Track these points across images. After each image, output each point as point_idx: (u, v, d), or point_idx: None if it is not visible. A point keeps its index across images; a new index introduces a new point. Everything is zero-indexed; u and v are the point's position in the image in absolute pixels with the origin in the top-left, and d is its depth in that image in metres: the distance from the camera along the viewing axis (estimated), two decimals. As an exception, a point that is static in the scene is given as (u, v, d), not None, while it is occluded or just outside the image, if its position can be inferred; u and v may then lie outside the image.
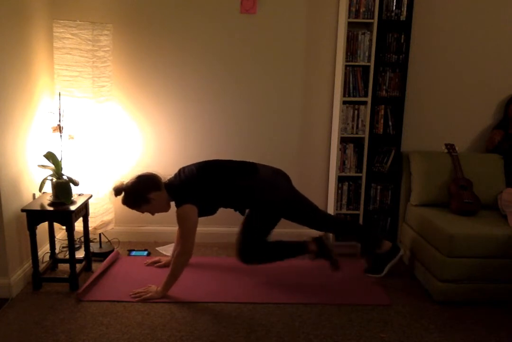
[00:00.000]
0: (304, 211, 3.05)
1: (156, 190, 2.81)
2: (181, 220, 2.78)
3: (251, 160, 3.05)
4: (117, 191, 2.81)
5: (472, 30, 3.53)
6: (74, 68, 3.08)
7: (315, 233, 3.13)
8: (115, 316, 2.65)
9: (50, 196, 2.99)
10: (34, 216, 2.86)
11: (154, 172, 2.89)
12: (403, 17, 3.31)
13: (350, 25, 3.29)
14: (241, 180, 2.87)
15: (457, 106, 3.64)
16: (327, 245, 3.02)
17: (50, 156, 2.93)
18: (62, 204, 2.91)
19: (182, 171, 2.92)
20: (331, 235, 3.43)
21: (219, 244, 3.70)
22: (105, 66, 3.22)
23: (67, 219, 2.87)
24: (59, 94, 3.05)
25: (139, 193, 2.79)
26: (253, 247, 2.95)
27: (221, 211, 3.06)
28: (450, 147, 3.39)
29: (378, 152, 3.52)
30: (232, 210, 3.04)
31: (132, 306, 2.75)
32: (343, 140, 3.47)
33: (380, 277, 3.09)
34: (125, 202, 2.82)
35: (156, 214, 3.04)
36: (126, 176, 3.26)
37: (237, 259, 2.99)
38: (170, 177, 2.92)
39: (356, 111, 3.42)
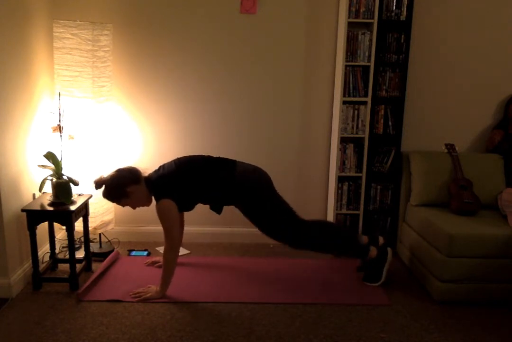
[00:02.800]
0: (276, 212, 2.90)
1: (135, 183, 2.81)
2: (161, 214, 2.77)
3: (250, 160, 3.03)
4: (97, 184, 2.81)
5: (472, 30, 3.53)
6: (74, 68, 3.08)
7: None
8: (115, 316, 2.65)
9: (50, 196, 2.99)
10: (34, 216, 2.86)
11: (134, 166, 2.90)
12: (403, 17, 3.31)
13: (350, 25, 3.29)
14: (219, 173, 2.84)
15: (457, 106, 3.65)
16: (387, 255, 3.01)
17: (50, 156, 2.93)
18: (62, 204, 2.91)
19: (162, 167, 2.92)
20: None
21: (219, 244, 3.71)
22: (105, 66, 3.22)
23: (67, 219, 2.87)
24: (59, 94, 3.05)
25: (117, 186, 2.79)
26: (288, 230, 2.90)
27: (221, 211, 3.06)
28: (450, 147, 3.39)
29: (378, 152, 3.52)
30: (232, 210, 3.03)
31: (132, 306, 2.75)
32: (343, 140, 3.47)
33: (380, 284, 3.04)
34: (105, 195, 2.83)
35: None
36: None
37: (288, 247, 2.96)
38: (151, 172, 2.92)
39: (356, 111, 3.43)
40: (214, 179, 2.84)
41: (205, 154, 3.00)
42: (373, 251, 3.04)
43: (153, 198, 2.87)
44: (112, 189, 2.80)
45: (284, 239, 2.94)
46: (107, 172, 2.91)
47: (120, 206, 2.91)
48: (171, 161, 2.93)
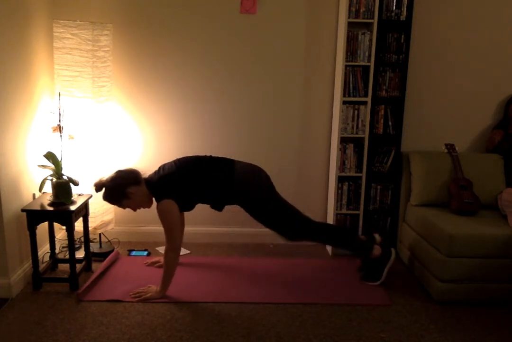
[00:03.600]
0: (280, 212, 2.95)
1: (136, 184, 2.80)
2: (162, 215, 2.76)
3: (250, 160, 3.03)
4: (98, 187, 2.81)
5: (472, 30, 3.53)
6: (74, 68, 3.08)
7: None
8: (115, 316, 2.65)
9: (50, 196, 2.99)
10: (34, 216, 2.86)
11: (134, 167, 2.90)
12: (403, 17, 3.31)
13: (350, 25, 3.29)
14: (219, 174, 2.85)
15: (457, 106, 3.65)
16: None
17: (50, 156, 2.93)
18: (62, 204, 2.91)
19: (162, 167, 2.92)
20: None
21: (219, 244, 3.71)
22: (105, 66, 3.22)
23: (67, 219, 2.87)
24: (59, 94, 3.05)
25: (118, 187, 2.78)
26: (293, 227, 2.97)
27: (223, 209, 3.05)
28: (450, 147, 3.39)
29: (378, 152, 3.52)
30: (232, 210, 3.03)
31: (132, 306, 2.75)
32: (343, 140, 3.47)
33: (378, 284, 3.04)
34: (105, 197, 2.82)
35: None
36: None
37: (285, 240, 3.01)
38: (151, 173, 2.92)
39: (356, 111, 3.42)
40: (213, 179, 2.84)
41: (206, 154, 3.01)
42: (377, 251, 3.05)
43: (153, 199, 2.87)
44: (112, 190, 2.79)
45: (287, 233, 2.98)
46: (106, 173, 2.91)
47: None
48: (171, 162, 2.93)
